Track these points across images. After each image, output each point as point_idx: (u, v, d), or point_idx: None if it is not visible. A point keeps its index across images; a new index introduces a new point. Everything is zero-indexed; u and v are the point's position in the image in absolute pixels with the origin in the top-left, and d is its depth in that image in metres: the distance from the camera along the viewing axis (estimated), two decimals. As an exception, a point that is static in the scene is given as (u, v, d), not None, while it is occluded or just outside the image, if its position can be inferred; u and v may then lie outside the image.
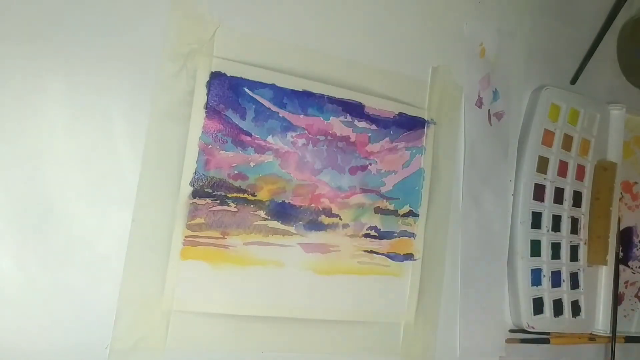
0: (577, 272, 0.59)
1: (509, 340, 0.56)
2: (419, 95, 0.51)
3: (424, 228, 0.51)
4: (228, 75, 0.42)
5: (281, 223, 0.44)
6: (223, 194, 0.42)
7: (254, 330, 0.43)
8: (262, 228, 0.44)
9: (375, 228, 0.48)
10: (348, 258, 0.47)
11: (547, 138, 0.58)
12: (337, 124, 0.47)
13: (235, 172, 0.43)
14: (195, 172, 0.41)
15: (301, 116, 0.45)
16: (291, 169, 0.45)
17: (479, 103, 0.54)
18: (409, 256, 0.50)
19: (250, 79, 0.43)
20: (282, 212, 0.44)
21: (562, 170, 0.59)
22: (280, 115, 0.44)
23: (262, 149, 0.44)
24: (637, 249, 0.67)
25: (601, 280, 0.62)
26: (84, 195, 0.38)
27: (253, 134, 0.43)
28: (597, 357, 0.63)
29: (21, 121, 0.37)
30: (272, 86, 0.44)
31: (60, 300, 0.37)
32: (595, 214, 0.61)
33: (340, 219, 0.47)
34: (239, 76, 0.43)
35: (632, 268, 0.66)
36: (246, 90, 0.43)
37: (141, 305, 0.39)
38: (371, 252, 0.48)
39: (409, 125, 0.50)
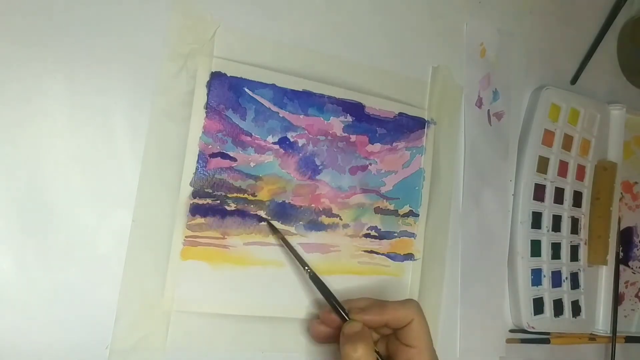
0: (577, 272, 0.59)
1: (509, 340, 0.55)
2: (419, 95, 0.51)
3: (424, 228, 0.51)
4: (228, 75, 0.42)
5: (281, 223, 0.44)
6: (223, 194, 0.42)
7: (254, 330, 0.43)
8: (263, 228, 0.44)
9: (375, 228, 0.48)
10: (348, 258, 0.47)
11: (547, 138, 0.58)
12: (337, 124, 0.47)
13: (236, 172, 0.43)
14: (195, 172, 0.41)
15: (301, 116, 0.45)
16: (291, 169, 0.45)
17: (479, 103, 0.54)
18: (409, 256, 0.50)
19: (250, 79, 0.43)
20: (282, 212, 0.44)
21: (563, 170, 0.59)
22: (281, 116, 0.44)
23: (262, 149, 0.44)
24: (638, 249, 0.67)
25: (601, 280, 0.62)
26: (84, 195, 0.38)
27: (253, 134, 0.43)
28: (598, 357, 0.62)
29: (21, 122, 0.37)
30: (272, 86, 0.44)
31: (60, 300, 0.37)
32: (596, 214, 0.61)
33: (341, 219, 0.47)
34: (239, 76, 0.43)
35: (632, 268, 0.66)
36: (246, 90, 0.43)
37: (141, 305, 0.39)
38: (371, 252, 0.48)
39: (409, 125, 0.50)
